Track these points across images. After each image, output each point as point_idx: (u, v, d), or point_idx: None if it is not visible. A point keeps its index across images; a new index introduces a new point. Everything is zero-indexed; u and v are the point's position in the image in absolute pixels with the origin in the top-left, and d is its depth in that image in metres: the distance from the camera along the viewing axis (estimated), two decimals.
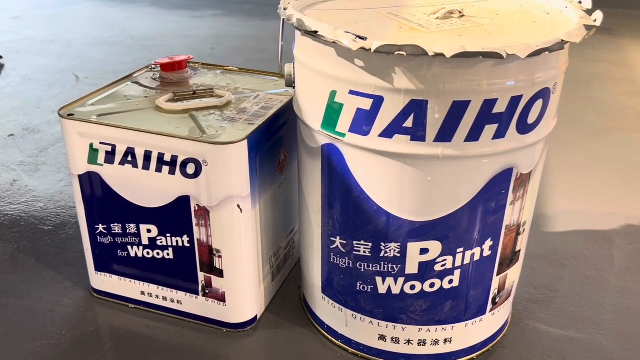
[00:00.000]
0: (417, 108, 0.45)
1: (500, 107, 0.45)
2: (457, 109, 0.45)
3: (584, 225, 0.81)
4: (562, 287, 0.69)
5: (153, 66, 0.70)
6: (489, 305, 0.56)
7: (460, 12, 0.52)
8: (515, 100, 0.45)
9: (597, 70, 1.45)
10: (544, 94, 0.47)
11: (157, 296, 0.63)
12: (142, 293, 0.63)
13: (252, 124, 0.56)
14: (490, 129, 0.46)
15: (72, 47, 1.61)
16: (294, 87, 0.55)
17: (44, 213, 0.82)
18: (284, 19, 0.51)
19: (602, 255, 0.74)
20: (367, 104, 0.46)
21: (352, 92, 0.47)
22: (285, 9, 0.52)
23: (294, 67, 0.54)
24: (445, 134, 0.46)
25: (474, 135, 0.46)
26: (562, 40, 0.44)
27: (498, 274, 0.55)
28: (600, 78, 1.39)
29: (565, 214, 0.83)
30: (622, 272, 0.71)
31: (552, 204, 0.86)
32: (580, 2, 0.53)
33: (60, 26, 1.83)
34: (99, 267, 0.64)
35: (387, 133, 0.46)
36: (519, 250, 0.56)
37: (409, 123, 0.46)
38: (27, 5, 2.10)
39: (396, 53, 0.42)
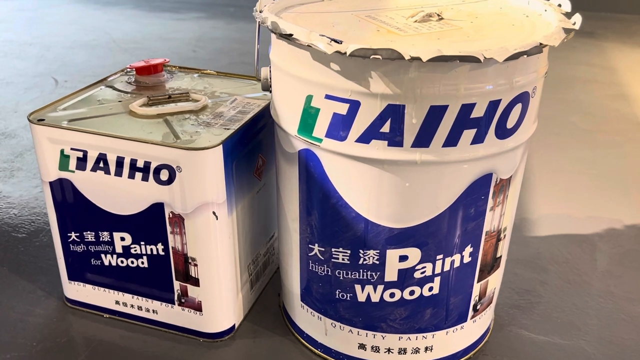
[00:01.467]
0: (394, 113, 0.44)
1: (478, 112, 0.44)
2: (435, 114, 0.44)
3: (567, 229, 0.80)
4: (545, 292, 0.68)
5: (128, 69, 0.68)
6: (470, 312, 0.55)
7: (438, 15, 0.52)
8: (493, 105, 0.45)
9: (580, 73, 1.45)
10: (523, 98, 0.46)
11: (132, 305, 0.61)
12: (117, 302, 0.62)
13: (228, 129, 0.55)
14: (468, 134, 0.45)
15: (52, 50, 1.58)
16: (270, 92, 0.54)
17: (18, 220, 0.80)
18: (259, 22, 0.50)
19: (585, 259, 0.74)
20: (343, 109, 0.45)
21: (328, 97, 0.46)
22: (260, 12, 0.51)
23: (270, 71, 0.53)
24: (423, 139, 0.45)
25: (452, 140, 0.45)
26: (540, 44, 0.43)
27: (479, 281, 0.54)
28: (584, 81, 1.40)
29: (548, 217, 0.83)
30: (604, 276, 0.71)
31: (534, 208, 0.85)
32: (559, 5, 0.52)
33: (40, 29, 1.80)
34: (72, 276, 0.62)
35: (364, 138, 0.45)
36: (500, 257, 0.55)
37: (386, 128, 0.45)
38: (7, 8, 2.07)
39: (372, 57, 0.41)
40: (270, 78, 0.53)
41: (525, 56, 0.42)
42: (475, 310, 0.55)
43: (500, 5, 0.56)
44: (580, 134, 1.11)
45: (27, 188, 0.88)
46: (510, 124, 0.46)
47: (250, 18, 1.96)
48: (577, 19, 0.48)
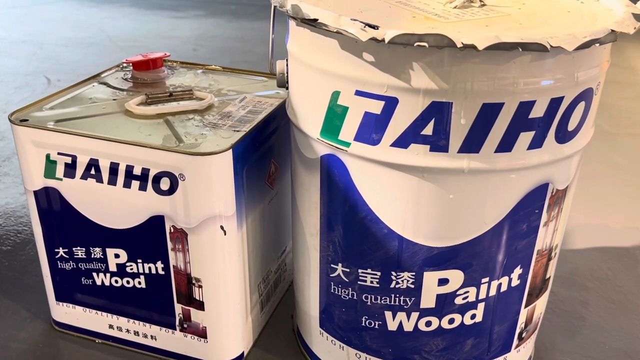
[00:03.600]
0: (438, 112, 0.37)
1: (538, 111, 0.37)
2: (488, 113, 0.37)
3: (604, 241, 0.73)
4: (588, 313, 0.61)
5: (124, 64, 0.61)
6: (515, 342, 0.48)
7: (480, 1, 0.45)
8: (555, 103, 0.38)
9: None
10: (586, 96, 0.40)
11: (127, 330, 0.54)
12: (111, 327, 0.55)
13: (238, 131, 0.48)
14: (525, 137, 0.38)
15: (45, 48, 1.51)
16: (287, 88, 0.47)
17: (3, 231, 0.73)
18: (275, 7, 0.43)
19: (627, 275, 0.67)
20: (377, 107, 0.38)
21: (358, 93, 0.39)
22: None
23: (287, 65, 0.46)
24: (472, 144, 0.38)
25: (506, 144, 0.38)
26: (613, 31, 0.36)
27: (526, 306, 0.47)
28: (604, 81, 1.33)
29: (582, 228, 0.76)
30: None
31: (568, 218, 0.78)
32: None
33: (32, 26, 1.73)
34: (60, 297, 0.55)
35: (402, 142, 0.39)
36: (549, 278, 0.48)
37: (428, 130, 0.38)
38: None
39: (416, 44, 0.34)
40: (288, 72, 0.46)
41: (597, 45, 0.35)
42: (520, 338, 0.48)
43: None
44: (606, 138, 1.04)
45: (13, 195, 0.81)
46: (571, 125, 0.40)
47: (252, 16, 1.89)
48: None
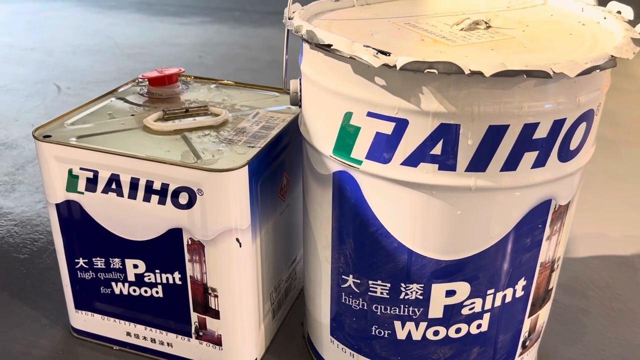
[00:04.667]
0: (447, 133, 0.39)
1: (541, 132, 0.39)
2: (494, 135, 0.39)
3: (604, 250, 0.75)
4: (589, 321, 0.63)
5: (140, 80, 0.63)
6: (519, 350, 0.50)
7: (486, 23, 0.47)
8: (558, 125, 0.40)
9: None
10: (588, 117, 0.41)
11: (144, 338, 0.56)
12: (128, 334, 0.57)
13: (253, 147, 0.50)
14: (529, 157, 0.40)
15: (54, 56, 1.53)
16: (300, 107, 0.49)
17: (20, 239, 0.75)
18: (289, 30, 0.45)
19: (627, 283, 0.69)
20: (388, 128, 0.40)
21: (370, 114, 0.41)
22: (290, 19, 0.46)
23: (300, 84, 0.48)
24: (479, 163, 0.40)
25: (511, 164, 0.40)
26: (612, 56, 0.38)
27: (530, 316, 0.49)
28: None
29: (583, 237, 0.78)
30: None
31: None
32: (619, 12, 0.48)
33: (41, 33, 1.75)
34: (79, 305, 0.57)
35: (412, 161, 0.41)
36: (552, 288, 0.50)
37: (437, 150, 0.40)
38: (6, 11, 2.02)
39: (426, 71, 0.36)
40: (301, 92, 0.48)
41: (598, 71, 0.37)
42: (524, 347, 0.50)
43: (550, 12, 0.51)
44: (608, 146, 1.06)
45: (29, 203, 0.83)
46: (573, 145, 0.42)
47: (256, 23, 1.91)
48: None
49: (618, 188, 0.91)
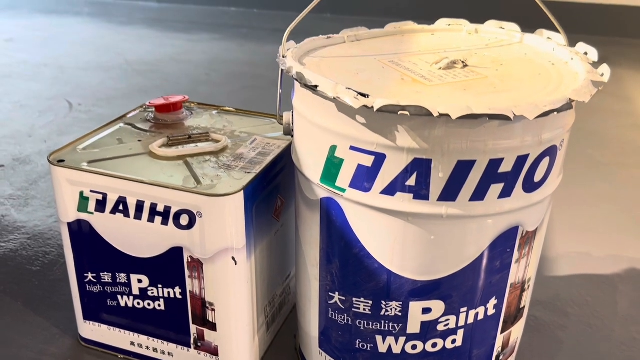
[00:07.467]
0: (420, 167, 0.43)
1: (506, 167, 0.44)
2: (462, 169, 0.43)
3: (587, 269, 0.79)
4: (566, 337, 0.67)
5: (147, 106, 0.68)
6: None
7: (463, 62, 0.51)
8: (521, 160, 0.44)
9: (595, 101, 1.44)
10: (550, 152, 0.46)
11: (147, 347, 0.61)
12: (132, 343, 0.61)
13: (249, 172, 0.54)
14: (495, 189, 0.44)
15: (66, 72, 1.59)
16: (292, 136, 0.53)
17: (33, 252, 0.79)
18: (283, 70, 0.50)
19: (605, 302, 0.73)
20: (368, 161, 0.45)
21: (353, 148, 0.45)
22: (284, 57, 0.50)
23: (292, 116, 0.52)
24: (450, 193, 0.44)
25: (479, 194, 0.44)
26: (570, 99, 0.42)
27: (502, 332, 0.53)
28: (599, 110, 1.39)
29: (567, 256, 0.82)
30: (626, 321, 0.69)
31: (553, 246, 0.84)
32: (586, 54, 0.52)
33: (53, 49, 1.81)
34: (87, 316, 0.62)
35: (389, 190, 0.45)
36: (524, 307, 0.54)
37: (411, 181, 0.44)
38: (21, 27, 2.09)
39: (399, 113, 0.41)
40: (293, 123, 0.52)
41: (555, 113, 0.41)
42: None
43: (525, 51, 0.56)
44: (596, 166, 1.10)
45: (41, 218, 0.88)
46: (537, 177, 0.46)
47: (262, 40, 1.97)
48: (605, 70, 0.48)
49: (605, 209, 0.95)
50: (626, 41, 2.02)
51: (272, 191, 0.58)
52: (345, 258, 0.50)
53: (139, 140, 0.61)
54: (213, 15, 2.36)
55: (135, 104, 1.35)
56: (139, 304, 0.59)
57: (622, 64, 1.75)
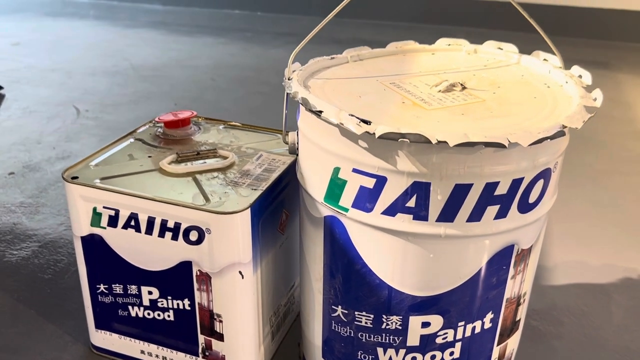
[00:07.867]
0: (419, 189, 0.45)
1: (502, 190, 0.46)
2: (459, 192, 0.45)
3: (583, 278, 0.81)
4: (561, 346, 0.69)
5: (156, 121, 0.70)
6: None
7: (462, 85, 0.53)
8: (516, 183, 0.46)
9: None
10: (545, 175, 0.48)
11: (157, 356, 0.63)
12: (142, 352, 0.63)
13: (256, 189, 0.57)
14: (492, 210, 0.46)
15: (73, 77, 1.61)
16: (297, 155, 0.55)
17: (44, 260, 0.82)
18: (288, 94, 0.52)
19: (601, 311, 0.75)
20: (370, 183, 0.47)
21: (355, 170, 0.47)
22: (289, 79, 0.53)
23: (297, 136, 0.55)
24: (448, 215, 0.46)
25: (475, 216, 0.46)
26: (563, 126, 0.44)
27: (498, 344, 0.55)
28: (598, 116, 1.40)
29: (563, 265, 0.84)
30: (621, 331, 0.71)
31: (550, 255, 0.86)
32: (580, 77, 0.54)
33: (61, 54, 1.84)
34: (99, 325, 0.64)
35: (390, 211, 0.47)
36: (519, 320, 0.56)
37: (411, 203, 0.46)
38: (28, 30, 2.12)
39: (399, 140, 0.43)
40: (298, 143, 0.55)
41: (548, 140, 0.43)
42: None
43: (521, 73, 0.58)
44: (594, 175, 1.12)
45: (52, 225, 0.90)
46: (532, 199, 0.48)
47: (267, 44, 1.99)
48: (598, 94, 0.50)
49: (602, 217, 0.97)
50: (627, 45, 2.03)
51: (278, 206, 0.61)
52: (348, 274, 0.52)
53: (149, 157, 0.63)
54: (217, 17, 2.38)
55: (142, 110, 1.38)
56: (149, 314, 0.61)
57: (622, 68, 1.76)
